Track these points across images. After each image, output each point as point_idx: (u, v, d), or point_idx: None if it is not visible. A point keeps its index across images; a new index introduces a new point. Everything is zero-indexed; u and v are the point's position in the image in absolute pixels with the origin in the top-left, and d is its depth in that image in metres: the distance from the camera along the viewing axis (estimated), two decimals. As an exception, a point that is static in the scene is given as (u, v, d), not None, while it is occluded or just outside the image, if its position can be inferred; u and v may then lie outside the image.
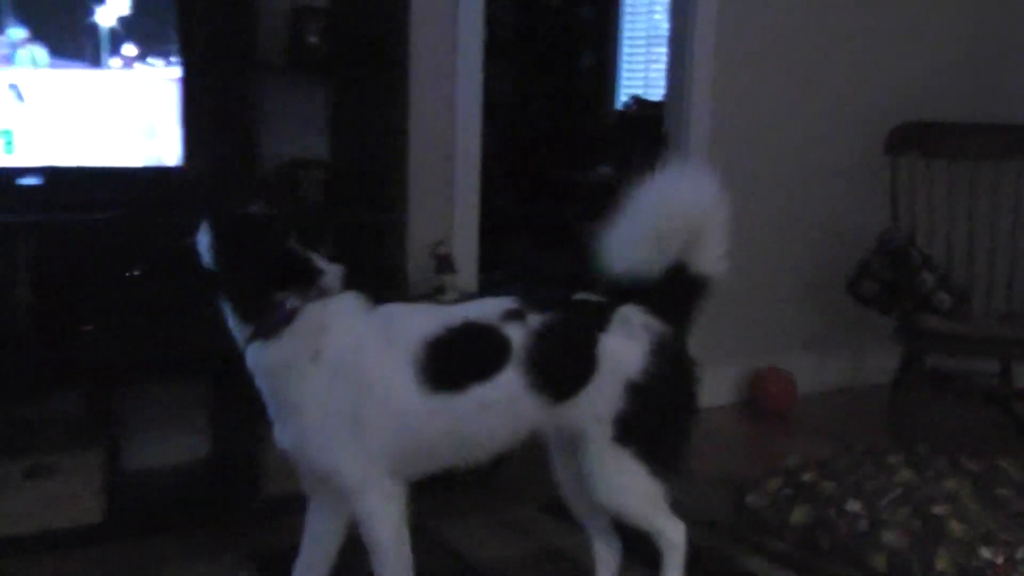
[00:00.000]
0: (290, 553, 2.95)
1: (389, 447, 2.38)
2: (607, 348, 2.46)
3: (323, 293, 2.41)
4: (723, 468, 3.89)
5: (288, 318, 2.37)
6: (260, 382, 2.44)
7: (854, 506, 3.16)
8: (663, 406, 2.51)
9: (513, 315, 2.44)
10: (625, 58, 7.13)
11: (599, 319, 2.49)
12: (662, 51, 5.84)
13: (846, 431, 4.37)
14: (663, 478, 2.53)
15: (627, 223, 2.49)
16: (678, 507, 2.59)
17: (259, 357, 2.41)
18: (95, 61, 3.17)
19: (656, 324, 2.50)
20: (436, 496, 3.50)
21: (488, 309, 2.46)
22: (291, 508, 3.19)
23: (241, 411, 3.02)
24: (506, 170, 6.26)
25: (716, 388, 4.66)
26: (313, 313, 2.39)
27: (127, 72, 3.21)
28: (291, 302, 2.37)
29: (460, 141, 4.02)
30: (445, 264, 3.79)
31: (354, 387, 2.36)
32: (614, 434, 2.47)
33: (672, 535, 2.62)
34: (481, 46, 4.02)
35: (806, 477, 3.35)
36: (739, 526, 3.34)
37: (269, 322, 2.37)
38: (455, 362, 2.41)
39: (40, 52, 3.11)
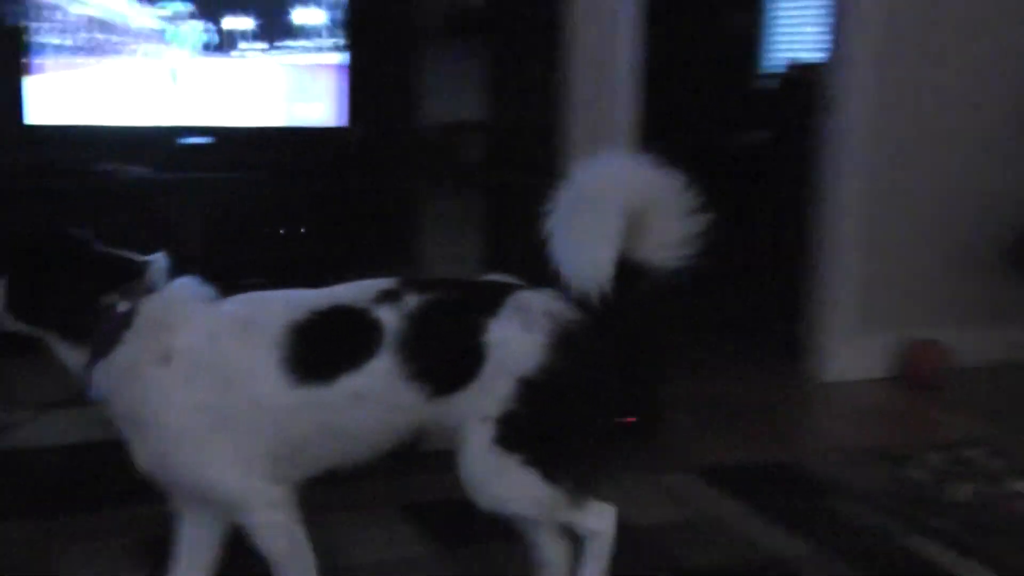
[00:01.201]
0: (443, 506, 3.01)
1: (262, 448, 2.13)
2: (495, 337, 2.12)
3: (151, 287, 2.13)
4: (875, 441, 3.83)
5: (123, 323, 2.09)
6: (108, 405, 2.14)
7: (1022, 486, 3.08)
8: (564, 410, 2.17)
9: (387, 296, 2.14)
10: (776, 20, 7.00)
11: (489, 304, 2.15)
12: (814, 12, 5.73)
13: (1001, 407, 4.25)
14: (564, 482, 2.19)
15: (569, 218, 2.15)
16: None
17: (102, 377, 2.11)
18: (265, 21, 3.24)
19: (566, 313, 2.15)
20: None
21: (361, 291, 2.17)
22: (447, 463, 3.27)
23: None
24: (656, 134, 6.20)
25: (867, 359, 4.58)
26: (151, 310, 2.10)
27: (295, 37, 3.27)
28: (121, 306, 2.09)
29: (617, 103, 3.99)
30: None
31: (215, 385, 2.09)
32: (497, 435, 2.13)
33: (592, 523, 2.27)
34: (639, 8, 3.98)
35: (970, 453, 3.27)
36: (896, 501, 3.28)
37: (103, 333, 2.09)
38: (321, 349, 2.13)
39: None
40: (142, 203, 3.30)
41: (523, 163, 3.63)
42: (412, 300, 2.13)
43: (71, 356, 2.14)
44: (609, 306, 2.15)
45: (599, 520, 2.28)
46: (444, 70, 3.68)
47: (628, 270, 2.15)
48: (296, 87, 3.33)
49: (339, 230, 3.43)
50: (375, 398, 2.13)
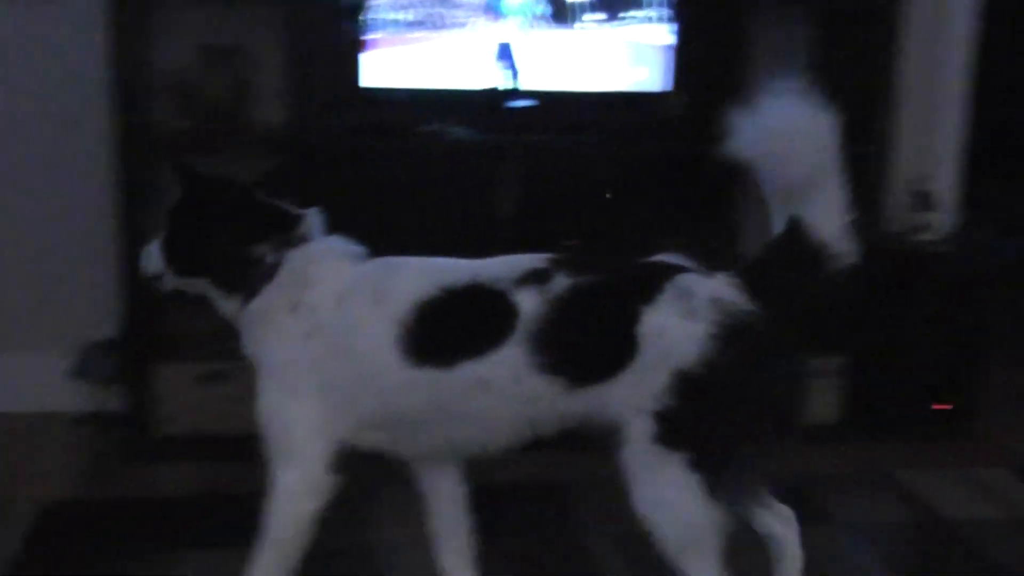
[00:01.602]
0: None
1: (357, 418, 2.08)
2: (652, 326, 1.93)
3: (302, 240, 2.16)
4: None
5: (268, 273, 2.12)
6: (246, 351, 2.18)
7: None
8: (731, 409, 1.95)
9: (533, 277, 1.99)
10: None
11: (647, 289, 1.96)
12: None
13: None
14: (724, 505, 1.97)
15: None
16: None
17: (244, 323, 2.16)
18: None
19: (735, 301, 1.94)
20: (904, 443, 3.43)
21: (507, 268, 2.03)
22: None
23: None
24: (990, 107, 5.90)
25: None
26: (294, 263, 2.13)
27: (623, 8, 3.29)
28: (271, 256, 2.13)
29: (949, 73, 3.81)
30: (924, 202, 3.62)
31: (330, 348, 2.07)
32: (656, 432, 1.94)
33: None
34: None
35: None
36: None
37: (250, 282, 2.13)
38: (444, 332, 2.03)
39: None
40: (465, 163, 3.40)
41: (848, 133, 3.52)
42: (560, 283, 1.98)
43: (225, 305, 2.19)
44: (788, 295, 1.98)
45: None
46: (770, 36, 3.60)
47: (809, 250, 1.96)
48: (621, 52, 3.34)
49: (658, 195, 3.43)
50: (500, 388, 2.00)
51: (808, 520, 2.90)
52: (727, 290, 1.95)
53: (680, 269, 2.00)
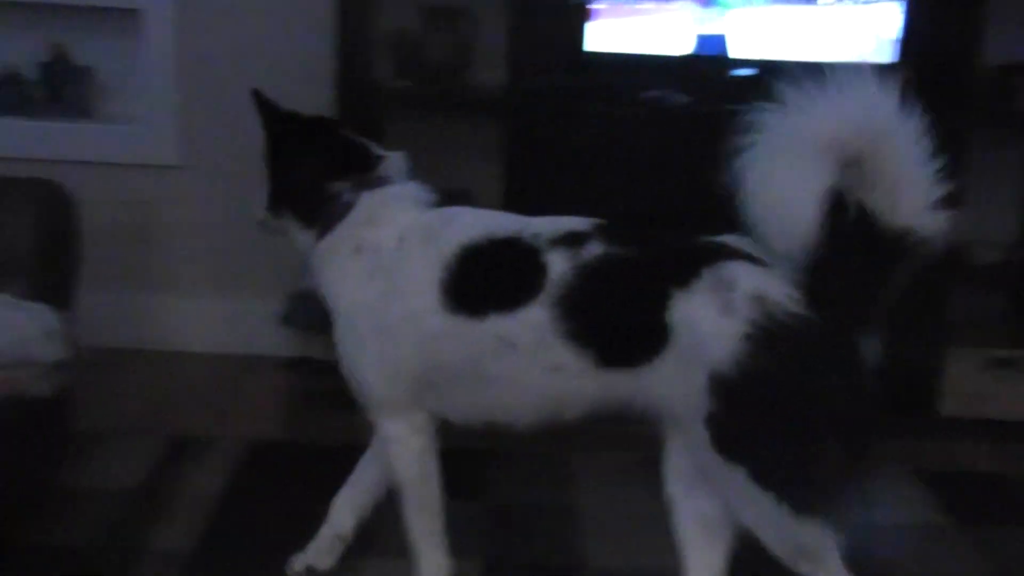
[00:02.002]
0: (961, 477, 2.86)
1: (410, 364, 2.04)
2: (683, 314, 1.78)
3: (382, 182, 2.14)
4: None
5: (343, 211, 2.11)
6: (317, 289, 2.19)
7: None
8: (776, 422, 1.75)
9: (569, 240, 1.91)
10: None
11: (683, 272, 1.80)
12: None
13: None
14: (811, 517, 1.77)
15: (770, 150, 1.79)
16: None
17: (313, 260, 2.17)
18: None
19: (780, 301, 1.73)
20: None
21: (549, 227, 1.95)
22: (967, 432, 3.09)
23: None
24: None
25: None
26: (367, 203, 2.11)
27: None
28: (348, 195, 2.12)
29: None
30: None
31: (386, 288, 2.04)
32: (710, 439, 1.79)
33: None
34: None
35: None
36: None
37: (325, 219, 2.13)
38: (477, 280, 1.99)
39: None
40: (685, 131, 3.34)
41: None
42: (594, 249, 1.89)
43: (301, 239, 2.19)
44: (849, 296, 1.75)
45: None
46: (1007, 9, 3.40)
47: (881, 239, 1.73)
48: (848, 22, 3.25)
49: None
50: (525, 349, 1.93)
51: (1007, 521, 2.76)
52: (777, 287, 1.75)
53: (735, 254, 1.82)
